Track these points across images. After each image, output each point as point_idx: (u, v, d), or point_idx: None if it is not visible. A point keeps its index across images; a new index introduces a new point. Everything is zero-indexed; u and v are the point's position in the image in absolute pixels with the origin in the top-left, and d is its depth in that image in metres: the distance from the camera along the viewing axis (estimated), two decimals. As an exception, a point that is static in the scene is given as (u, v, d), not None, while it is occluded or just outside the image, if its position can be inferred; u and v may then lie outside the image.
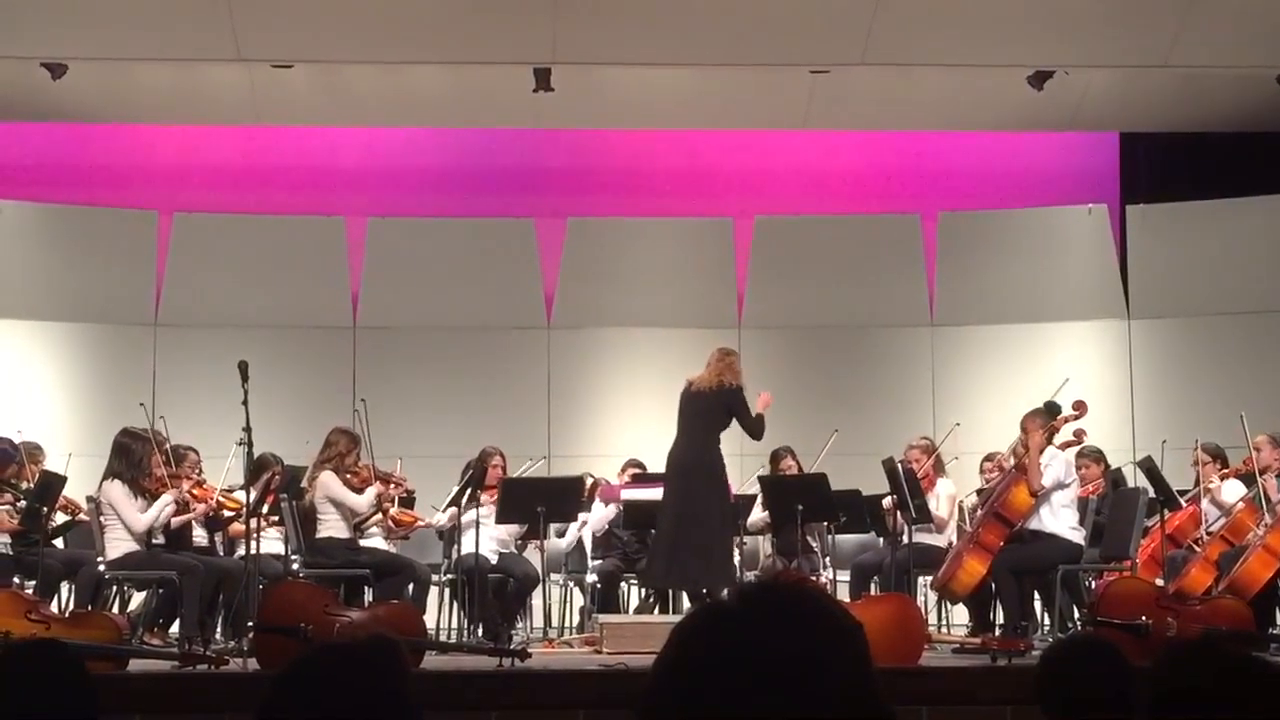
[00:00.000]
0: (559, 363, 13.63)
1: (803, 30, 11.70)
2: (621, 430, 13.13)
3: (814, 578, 10.34)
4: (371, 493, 10.22)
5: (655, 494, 10.35)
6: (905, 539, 10.06)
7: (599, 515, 11.28)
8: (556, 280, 13.73)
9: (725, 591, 9.83)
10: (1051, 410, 9.97)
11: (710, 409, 10.10)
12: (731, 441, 10.55)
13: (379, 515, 10.61)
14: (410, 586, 10.05)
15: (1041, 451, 9.73)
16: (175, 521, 9.87)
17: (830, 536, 10.89)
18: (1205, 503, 10.60)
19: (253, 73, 12.28)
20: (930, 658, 8.49)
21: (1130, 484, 11.21)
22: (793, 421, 12.50)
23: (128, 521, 9.41)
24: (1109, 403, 12.72)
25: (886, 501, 10.69)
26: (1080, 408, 9.93)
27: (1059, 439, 9.91)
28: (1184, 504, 10.67)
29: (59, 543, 10.68)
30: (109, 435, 9.91)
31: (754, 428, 10.16)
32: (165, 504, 9.61)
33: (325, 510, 10.01)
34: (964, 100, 13.06)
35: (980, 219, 14.00)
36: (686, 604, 10.52)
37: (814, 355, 13.65)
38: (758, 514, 11.18)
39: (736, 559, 11.03)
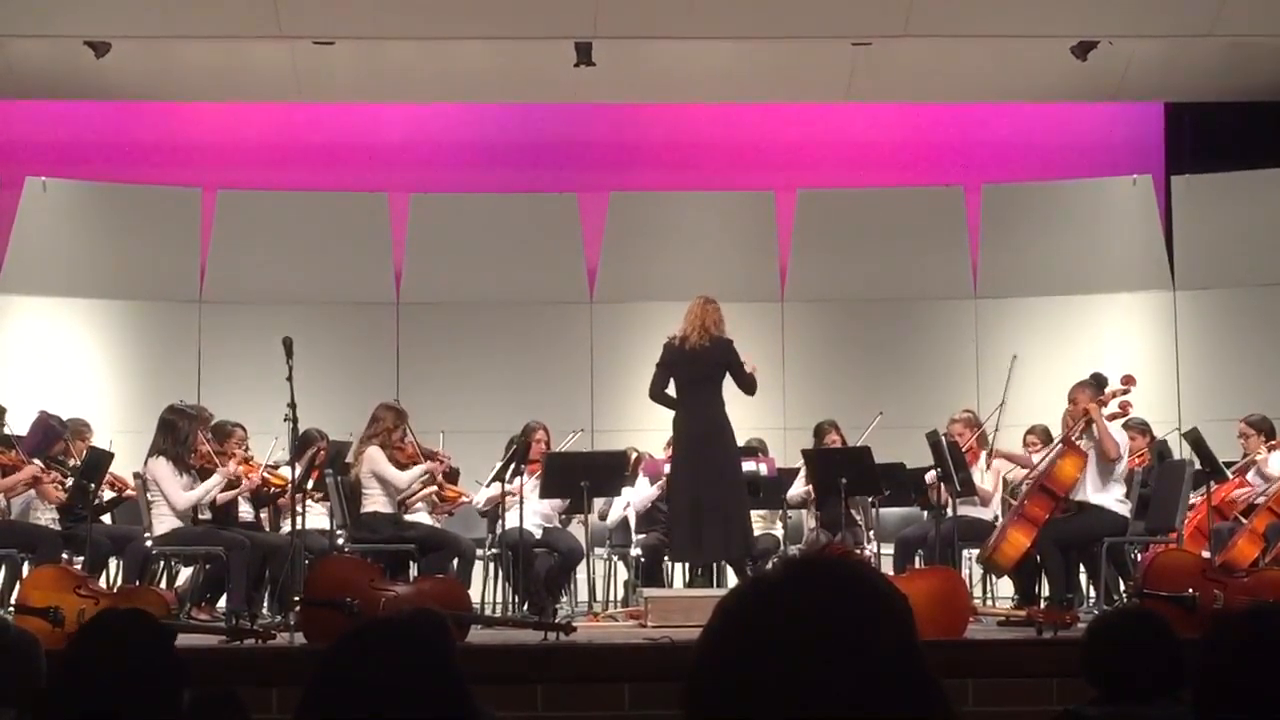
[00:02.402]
0: (602, 337, 13.62)
1: (845, 2, 11.66)
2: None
3: (858, 551, 10.33)
4: (417, 471, 10.23)
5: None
6: (950, 512, 10.03)
7: (642, 495, 11.26)
8: (599, 255, 13.73)
9: (766, 558, 9.82)
10: (1099, 382, 9.95)
11: (710, 366, 9.90)
12: (775, 413, 10.53)
13: (428, 491, 10.65)
14: (455, 561, 10.09)
15: (1088, 424, 9.72)
16: (221, 498, 9.95)
17: (874, 510, 10.86)
18: (1252, 474, 10.57)
19: (295, 50, 12.30)
20: (975, 630, 8.48)
21: (1176, 456, 11.15)
22: (836, 395, 12.51)
23: (171, 499, 9.47)
24: (1154, 374, 12.65)
25: (929, 476, 10.67)
26: (1129, 381, 9.90)
27: (1105, 412, 9.89)
28: (1231, 476, 10.63)
29: (107, 519, 10.76)
30: (155, 412, 9.98)
31: (749, 383, 9.94)
32: (211, 486, 9.68)
33: (370, 485, 10.04)
34: (1007, 71, 12.99)
35: (1024, 191, 13.94)
36: (732, 578, 10.52)
37: (857, 329, 13.62)
38: (799, 487, 11.17)
39: (780, 532, 11.04)
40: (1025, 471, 10.49)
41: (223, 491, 9.88)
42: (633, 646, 7.64)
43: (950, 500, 9.98)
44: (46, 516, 10.15)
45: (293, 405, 8.50)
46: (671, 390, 10.05)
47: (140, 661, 3.14)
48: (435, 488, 10.65)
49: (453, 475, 11.07)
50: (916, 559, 10.58)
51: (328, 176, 13.97)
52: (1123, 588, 10.24)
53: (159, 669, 3.17)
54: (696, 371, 9.92)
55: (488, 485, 10.74)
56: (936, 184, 13.97)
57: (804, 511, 11.43)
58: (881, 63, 12.64)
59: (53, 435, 10.43)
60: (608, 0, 11.44)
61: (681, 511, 9.95)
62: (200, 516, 9.75)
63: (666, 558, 11.10)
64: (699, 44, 12.35)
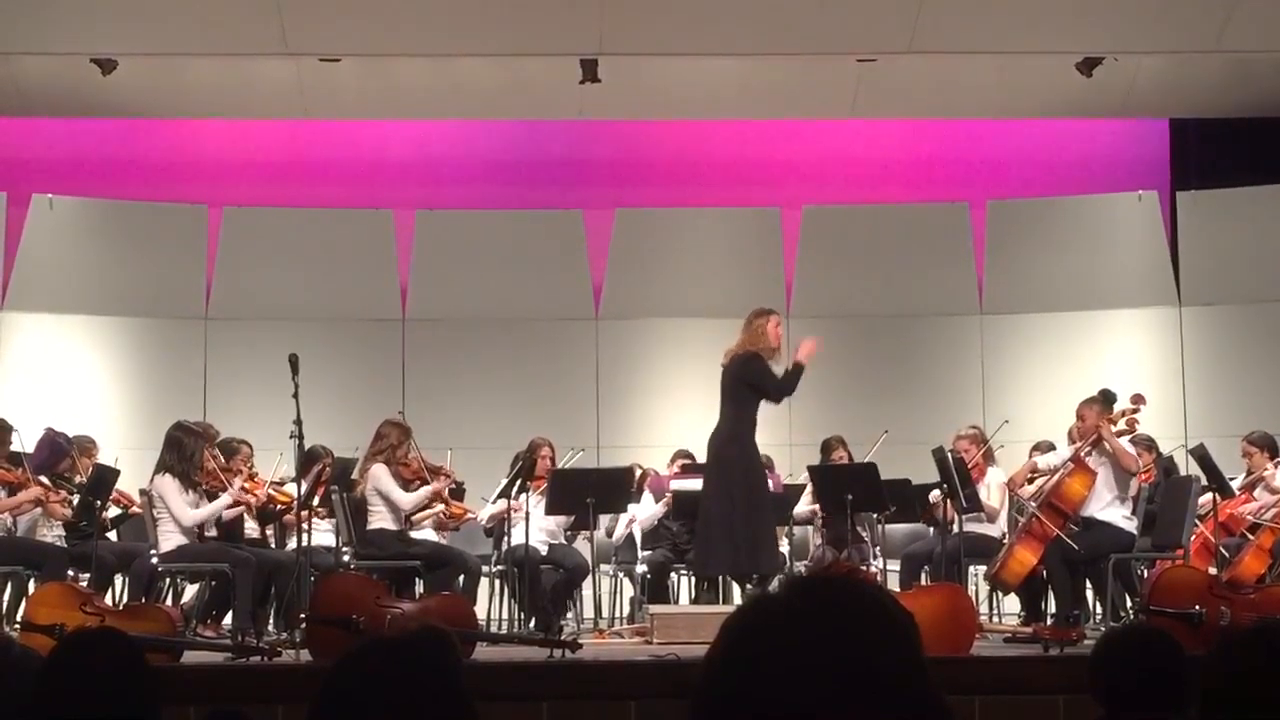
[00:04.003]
0: (607, 354, 13.63)
1: (849, 19, 11.67)
2: (670, 421, 13.13)
3: (864, 568, 10.31)
4: (423, 493, 10.22)
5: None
6: (956, 528, 10.02)
7: (648, 512, 11.26)
8: (604, 271, 13.74)
9: (770, 577, 9.79)
10: (1107, 398, 9.94)
11: (729, 380, 9.87)
12: (781, 429, 10.50)
13: (433, 511, 10.64)
14: (461, 578, 10.08)
15: (1097, 441, 9.73)
16: (226, 515, 9.94)
17: (880, 526, 10.85)
18: (1258, 490, 10.57)
19: (301, 66, 12.32)
20: (982, 647, 8.46)
21: (1182, 472, 11.14)
22: (842, 411, 12.50)
23: (177, 516, 9.46)
24: (1160, 390, 12.62)
25: (934, 495, 10.67)
26: (1139, 400, 9.89)
27: (1114, 429, 9.88)
28: (1237, 492, 10.62)
29: (113, 536, 10.76)
30: (161, 428, 9.97)
31: (772, 390, 9.82)
32: (219, 507, 9.67)
33: (376, 502, 10.03)
34: (1012, 87, 12.99)
35: (1029, 207, 13.94)
36: (738, 595, 10.51)
37: (863, 345, 13.61)
38: (805, 504, 11.16)
39: (786, 548, 11.01)
40: (1034, 489, 10.45)
41: (229, 509, 9.88)
42: (638, 663, 7.63)
43: (956, 516, 9.97)
44: (52, 534, 10.16)
45: (298, 422, 8.50)
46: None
47: (111, 679, 3.16)
48: (441, 506, 10.65)
49: (458, 491, 11.06)
50: (922, 575, 10.56)
51: (333, 193, 13.99)
52: (1129, 604, 10.22)
53: (130, 686, 3.18)
54: (725, 385, 9.93)
55: (493, 501, 10.74)
56: (942, 200, 13.97)
57: (810, 528, 11.41)
58: (886, 79, 12.65)
59: (59, 452, 10.43)
60: (613, 17, 11.46)
61: (698, 525, 10.00)
62: (206, 534, 9.75)
63: (684, 573, 11.13)
64: (704, 61, 12.37)
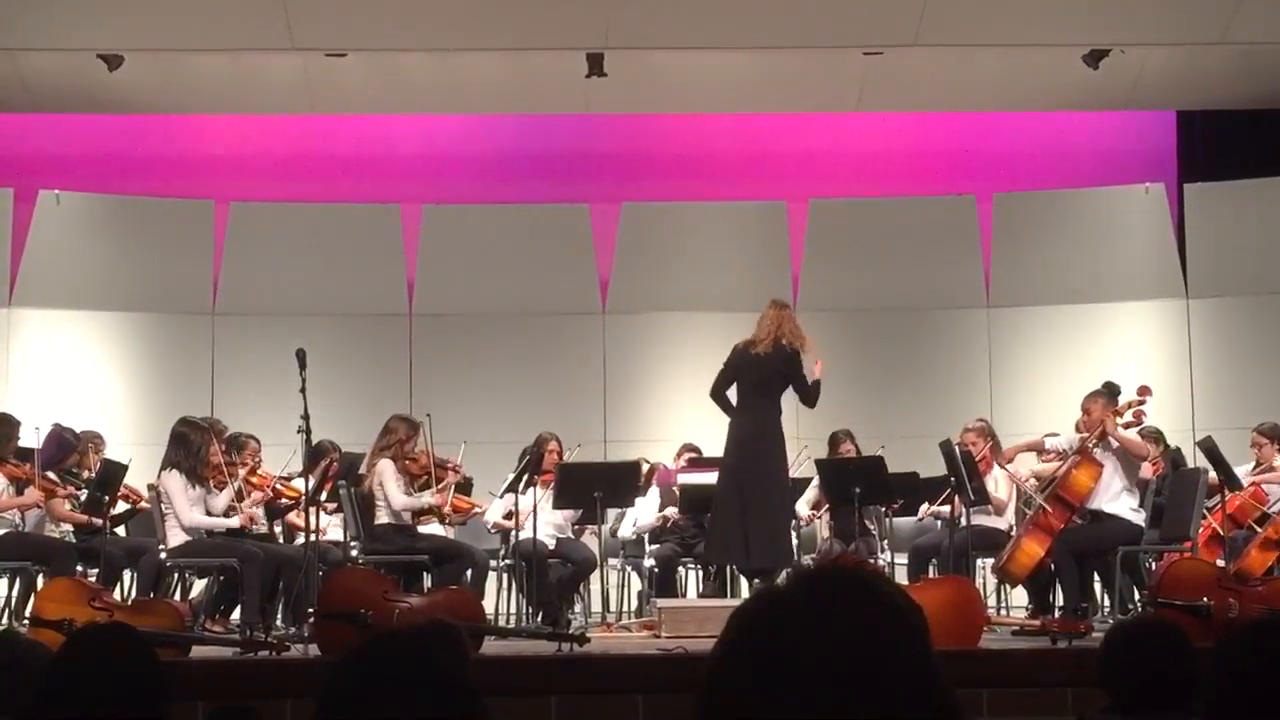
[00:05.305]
0: (614, 348, 13.62)
1: (856, 12, 11.66)
2: (677, 415, 13.11)
3: (872, 561, 10.31)
4: (421, 501, 10.20)
5: (711, 478, 10.31)
6: (964, 521, 10.01)
7: (649, 517, 11.28)
8: (611, 265, 13.73)
9: (783, 572, 9.79)
10: (1111, 391, 9.93)
11: (770, 374, 9.90)
12: (787, 423, 10.48)
13: (432, 516, 10.64)
14: (469, 572, 10.09)
15: (1103, 434, 9.72)
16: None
17: (888, 519, 10.85)
18: (1266, 480, 10.56)
19: (307, 62, 12.32)
20: (990, 640, 8.46)
21: (1190, 464, 11.12)
22: (849, 405, 12.47)
23: (179, 515, 9.47)
24: (1168, 383, 12.60)
25: (923, 508, 10.71)
26: (1145, 392, 9.88)
27: (1120, 422, 9.87)
28: (1246, 485, 10.61)
29: (121, 531, 10.77)
30: (168, 424, 9.99)
31: (810, 395, 9.94)
32: (220, 523, 9.65)
33: (382, 497, 10.03)
34: (1019, 80, 12.97)
35: (1036, 199, 13.92)
36: (746, 588, 10.51)
37: (869, 338, 13.60)
38: (811, 496, 11.15)
39: (795, 542, 11.02)
40: (1035, 472, 10.45)
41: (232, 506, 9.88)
42: (647, 657, 7.64)
43: (964, 509, 9.97)
44: (61, 529, 10.17)
45: (306, 417, 8.51)
46: (732, 395, 10.03)
47: (119, 674, 3.17)
48: (433, 515, 10.63)
49: (465, 486, 11.06)
50: (930, 568, 10.56)
51: (340, 188, 13.99)
52: (1137, 597, 10.21)
53: (139, 681, 3.19)
54: (758, 377, 9.91)
55: (501, 496, 10.74)
56: (948, 193, 13.95)
57: (817, 521, 11.41)
58: (893, 72, 12.63)
59: (66, 448, 10.45)
60: (619, 11, 11.45)
61: (729, 513, 9.87)
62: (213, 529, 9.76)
63: (691, 566, 11.13)
64: (710, 54, 12.35)
